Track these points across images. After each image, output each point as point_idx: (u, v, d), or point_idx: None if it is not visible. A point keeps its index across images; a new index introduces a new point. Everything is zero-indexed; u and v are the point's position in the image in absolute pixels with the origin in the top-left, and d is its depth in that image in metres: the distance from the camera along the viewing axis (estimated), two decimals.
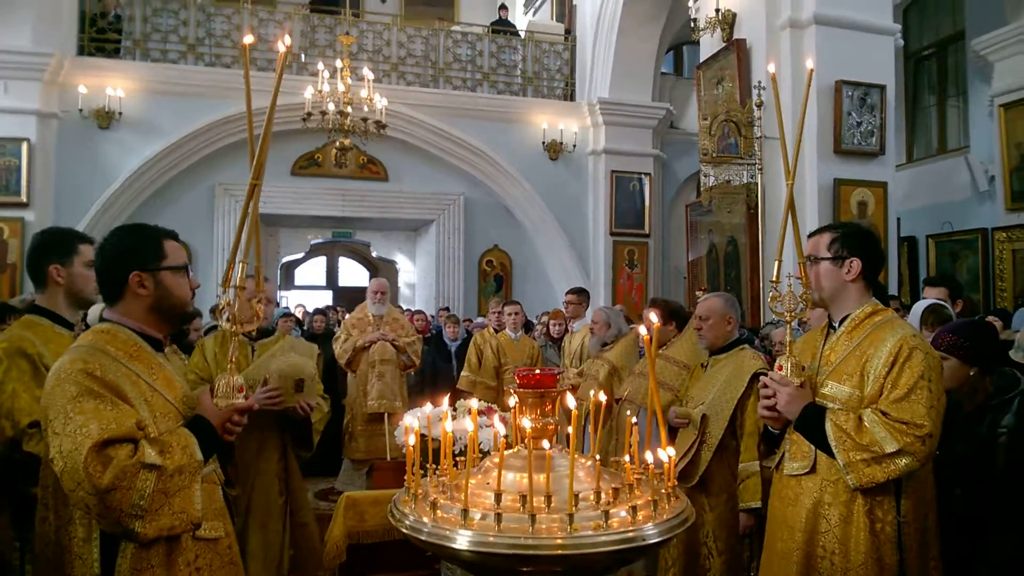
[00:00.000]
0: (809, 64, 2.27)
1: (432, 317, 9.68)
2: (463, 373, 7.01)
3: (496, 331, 7.11)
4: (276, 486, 3.52)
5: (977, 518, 2.78)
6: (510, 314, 7.01)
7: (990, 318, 4.77)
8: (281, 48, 2.20)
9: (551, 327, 7.84)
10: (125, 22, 10.46)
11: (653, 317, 1.68)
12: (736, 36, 7.47)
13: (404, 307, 10.55)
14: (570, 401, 1.47)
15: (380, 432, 6.55)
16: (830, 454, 2.25)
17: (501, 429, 1.59)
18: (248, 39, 2.24)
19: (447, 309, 10.13)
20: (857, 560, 2.23)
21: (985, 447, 2.82)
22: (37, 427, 2.46)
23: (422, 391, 7.80)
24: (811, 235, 2.50)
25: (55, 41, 9.52)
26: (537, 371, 1.60)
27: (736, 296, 4.93)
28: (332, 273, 18.26)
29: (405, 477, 1.64)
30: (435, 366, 8.01)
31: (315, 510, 6.61)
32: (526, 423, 1.47)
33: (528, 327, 7.72)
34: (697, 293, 7.46)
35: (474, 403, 1.70)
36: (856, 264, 2.39)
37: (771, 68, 2.41)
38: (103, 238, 2.21)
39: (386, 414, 6.55)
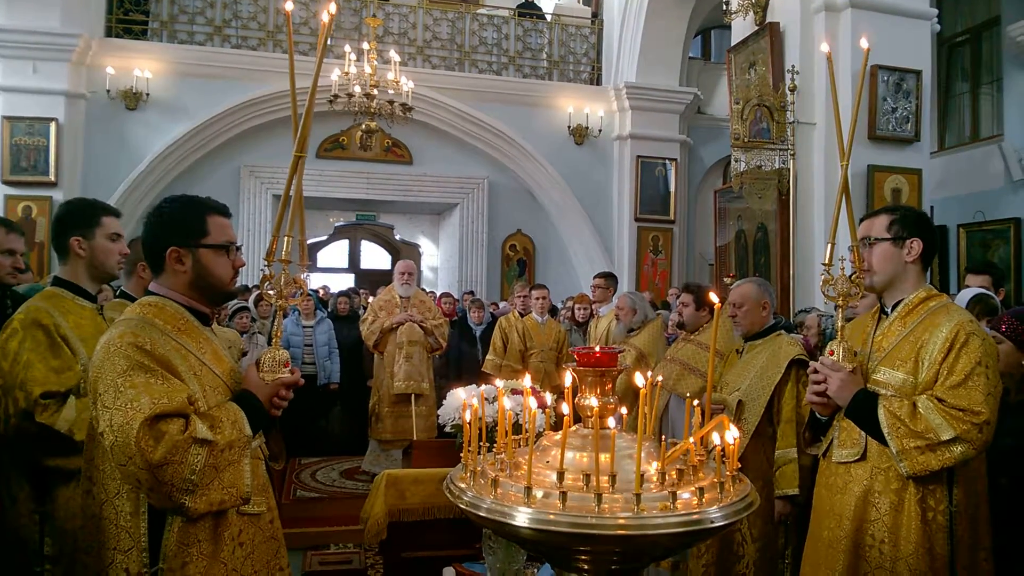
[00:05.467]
0: (864, 44, 2.22)
1: (457, 301, 9.68)
2: (488, 357, 6.99)
3: (521, 315, 7.09)
4: None
5: (1021, 511, 2.73)
6: (538, 298, 6.98)
7: None
8: (325, 17, 2.16)
9: (576, 311, 7.82)
10: (152, 3, 10.49)
11: (713, 298, 1.65)
12: (769, 19, 7.35)
13: (428, 290, 10.55)
14: (638, 380, 1.44)
15: (407, 413, 6.57)
16: (882, 441, 2.21)
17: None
18: (289, 5, 2.20)
19: (471, 293, 10.13)
20: (907, 550, 2.19)
21: None
22: (51, 398, 2.46)
23: (447, 374, 7.82)
24: (865, 217, 2.45)
25: (83, 22, 9.58)
26: (597, 349, 1.57)
27: None
28: (354, 256, 18.31)
29: (461, 454, 1.62)
30: (460, 349, 8.01)
31: (340, 489, 6.74)
32: (592, 402, 1.45)
33: (552, 311, 7.70)
34: (725, 280, 7.39)
35: (527, 381, 1.68)
36: (917, 245, 2.35)
37: (824, 48, 2.36)
38: (152, 207, 2.19)
39: (413, 395, 6.57)
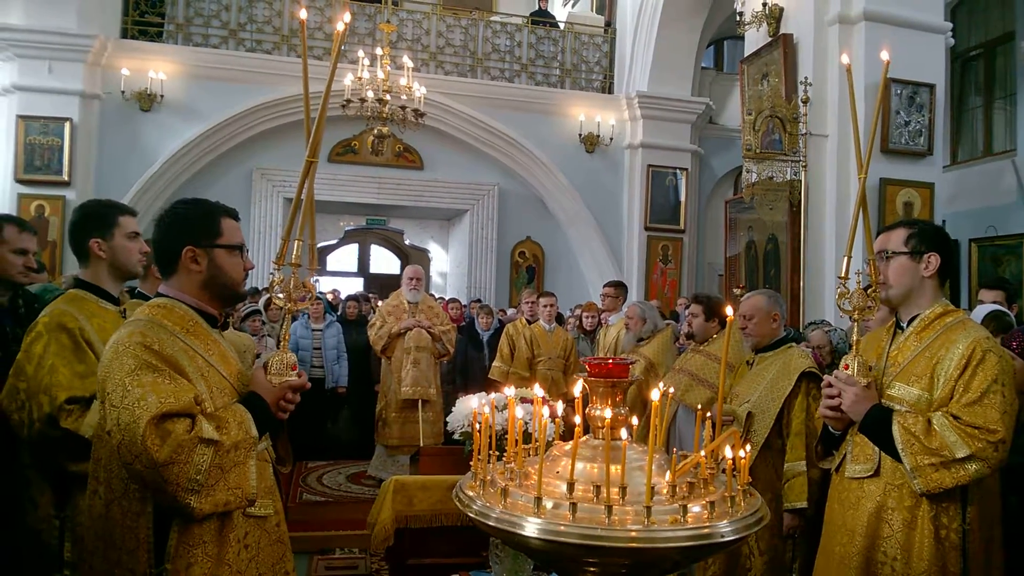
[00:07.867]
0: (885, 56, 2.20)
1: (464, 307, 9.67)
2: (495, 363, 6.99)
3: (529, 322, 7.07)
4: None
5: None
6: (545, 306, 6.97)
7: None
8: (340, 26, 2.17)
9: (584, 319, 7.81)
10: (168, 6, 10.55)
11: (729, 311, 1.63)
12: (783, 31, 7.34)
13: (437, 295, 10.55)
14: (653, 395, 1.43)
15: (413, 419, 6.56)
16: (896, 457, 2.19)
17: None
18: (303, 14, 2.21)
19: (478, 301, 10.12)
20: (920, 567, 2.17)
21: None
22: (75, 403, 2.44)
23: (454, 380, 7.82)
24: (882, 231, 2.43)
25: (99, 23, 9.66)
26: (609, 360, 1.56)
27: None
28: (364, 260, 18.36)
29: (470, 462, 1.61)
30: (467, 355, 8.00)
31: (347, 493, 6.73)
32: (606, 413, 1.44)
33: (559, 319, 7.69)
34: (735, 291, 7.37)
35: (537, 390, 1.67)
36: (935, 260, 2.33)
37: (845, 59, 2.35)
38: (164, 209, 2.20)
39: (420, 401, 6.55)
